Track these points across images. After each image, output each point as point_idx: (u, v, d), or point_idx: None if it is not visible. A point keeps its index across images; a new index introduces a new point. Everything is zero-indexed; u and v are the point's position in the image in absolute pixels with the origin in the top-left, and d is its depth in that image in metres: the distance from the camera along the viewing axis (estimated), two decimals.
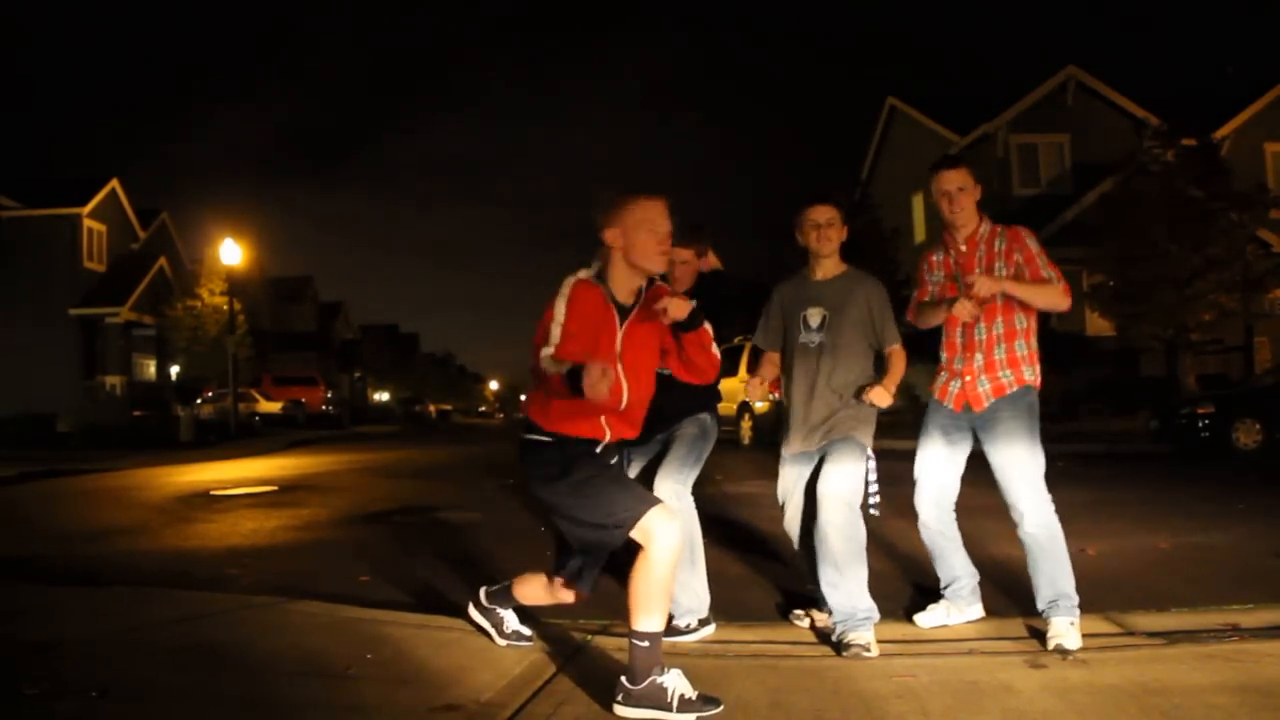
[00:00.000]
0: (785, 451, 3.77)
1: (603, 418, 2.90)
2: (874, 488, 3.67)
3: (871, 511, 3.64)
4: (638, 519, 2.72)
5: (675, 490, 3.59)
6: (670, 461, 3.67)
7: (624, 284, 2.94)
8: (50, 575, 5.05)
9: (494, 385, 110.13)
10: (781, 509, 3.80)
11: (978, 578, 3.71)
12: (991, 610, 3.77)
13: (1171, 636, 3.33)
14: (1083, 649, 3.19)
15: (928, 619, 3.64)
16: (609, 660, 3.17)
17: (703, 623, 3.60)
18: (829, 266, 3.74)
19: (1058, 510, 3.43)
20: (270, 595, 4.19)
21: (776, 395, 3.95)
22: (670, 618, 3.33)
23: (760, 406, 15.08)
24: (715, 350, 3.02)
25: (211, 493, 9.77)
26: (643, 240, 2.87)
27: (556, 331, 2.80)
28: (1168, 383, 18.10)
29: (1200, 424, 12.62)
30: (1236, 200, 17.64)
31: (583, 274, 2.94)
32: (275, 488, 10.15)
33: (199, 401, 27.88)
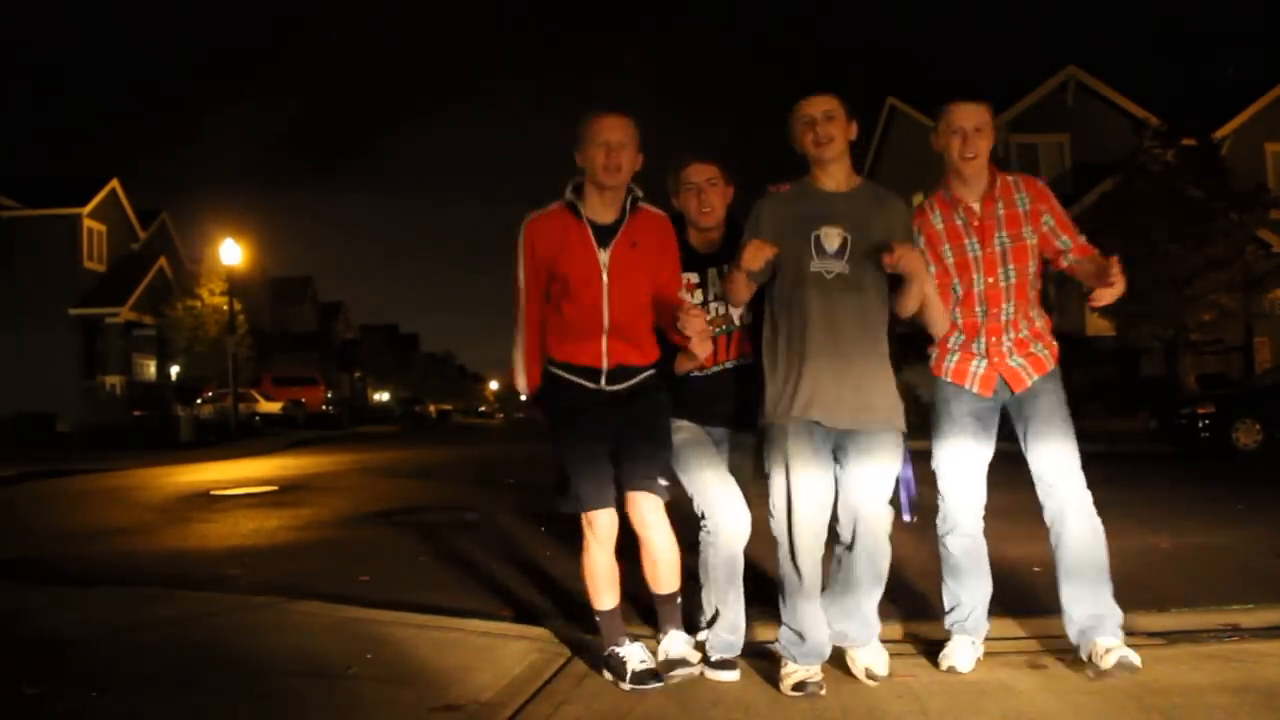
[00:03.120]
0: (780, 420, 2.84)
1: (603, 340, 2.96)
2: (909, 487, 3.07)
3: (906, 519, 3.04)
4: (581, 510, 2.91)
5: (730, 492, 3.05)
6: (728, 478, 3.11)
7: (598, 205, 2.98)
8: (50, 575, 5.05)
9: (494, 385, 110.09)
10: (777, 506, 2.87)
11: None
12: (991, 610, 3.76)
13: (1171, 636, 3.32)
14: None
15: (965, 661, 2.98)
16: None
17: (725, 665, 2.98)
18: (840, 175, 2.93)
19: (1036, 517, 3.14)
20: (270, 595, 4.19)
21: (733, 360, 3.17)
22: (699, 633, 3.11)
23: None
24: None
25: (211, 493, 9.77)
26: (592, 155, 2.91)
27: (519, 299, 3.03)
28: (1168, 383, 18.10)
29: (1200, 424, 12.61)
30: (1236, 200, 17.64)
31: (538, 211, 3.02)
32: (275, 488, 10.15)
33: (199, 401, 27.86)
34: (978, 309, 3.00)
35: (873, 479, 2.83)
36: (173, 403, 25.43)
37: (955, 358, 3.04)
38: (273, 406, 30.37)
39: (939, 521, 3.08)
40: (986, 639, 3.15)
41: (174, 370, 31.69)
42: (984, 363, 3.00)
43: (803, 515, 2.81)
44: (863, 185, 2.96)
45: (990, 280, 2.98)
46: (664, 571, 2.99)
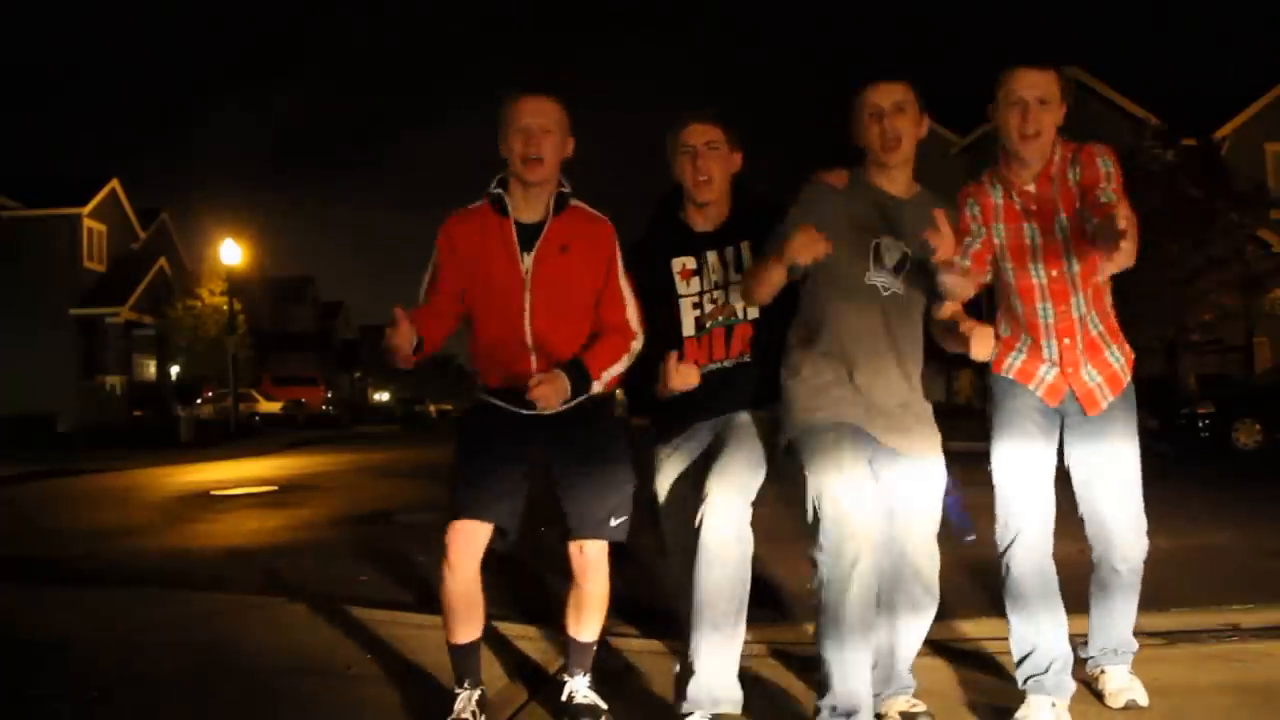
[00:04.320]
0: (822, 415, 2.43)
1: (531, 361, 2.52)
2: (956, 508, 2.63)
3: (968, 540, 2.80)
4: (449, 519, 2.47)
5: (727, 502, 2.43)
6: (726, 460, 2.53)
7: (522, 203, 2.56)
8: (51, 575, 5.05)
9: None
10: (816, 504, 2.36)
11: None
12: (991, 610, 3.76)
13: (1171, 636, 3.32)
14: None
15: None
16: (608, 660, 3.16)
17: None
18: (903, 179, 2.58)
19: (1057, 511, 2.88)
20: (270, 595, 4.19)
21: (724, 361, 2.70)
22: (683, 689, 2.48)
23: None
24: (623, 368, 2.60)
25: (211, 493, 9.77)
26: (510, 144, 2.50)
27: (422, 289, 2.60)
28: (1168, 383, 18.10)
29: (1200, 424, 12.61)
30: (1236, 200, 17.65)
31: (460, 210, 2.62)
32: (275, 488, 10.15)
33: (199, 401, 27.89)
34: (1040, 306, 2.54)
35: (921, 503, 2.53)
36: (173, 403, 25.47)
37: (1021, 357, 2.60)
38: (273, 406, 30.40)
39: (998, 537, 2.56)
40: (987, 639, 3.12)
41: (174, 370, 31.69)
42: (1054, 370, 2.55)
43: (863, 525, 2.35)
44: (921, 193, 2.61)
45: (1054, 274, 2.52)
46: (592, 621, 2.62)
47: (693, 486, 2.56)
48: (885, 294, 2.51)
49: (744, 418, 2.63)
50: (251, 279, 30.85)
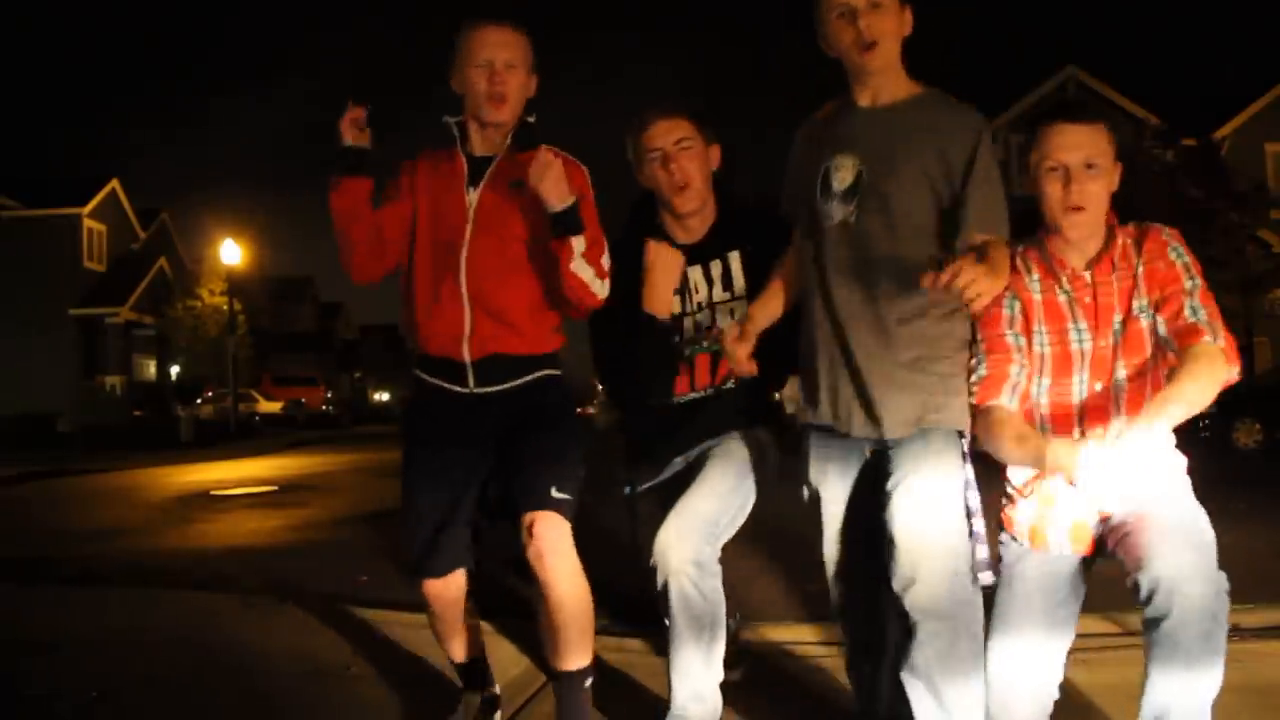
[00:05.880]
0: (811, 419, 2.17)
1: (465, 316, 2.17)
2: (977, 525, 2.01)
3: (985, 580, 2.02)
4: (412, 577, 2.33)
5: (693, 548, 2.18)
6: (697, 492, 2.27)
7: (479, 137, 2.27)
8: (51, 575, 5.05)
9: None
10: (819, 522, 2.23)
11: None
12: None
13: None
14: (1083, 649, 3.17)
15: None
16: (607, 661, 3.16)
17: None
18: (887, 83, 2.08)
19: None
20: (270, 595, 4.19)
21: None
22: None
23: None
24: (593, 283, 2.16)
25: (211, 493, 9.77)
26: (472, 80, 2.19)
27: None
28: None
29: (1200, 424, 12.61)
30: (1236, 200, 17.68)
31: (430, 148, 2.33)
32: (275, 488, 10.15)
33: (199, 401, 27.89)
34: (1075, 428, 2.00)
35: (918, 504, 1.99)
36: (173, 403, 25.47)
37: (1031, 509, 2.05)
38: (273, 406, 30.39)
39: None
40: None
41: (174, 370, 31.69)
42: (1070, 518, 2.02)
43: (830, 548, 2.20)
44: (911, 98, 2.08)
45: (1099, 386, 1.99)
46: (572, 638, 2.15)
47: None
48: (829, 223, 2.07)
49: (721, 445, 2.37)
50: (251, 279, 30.82)
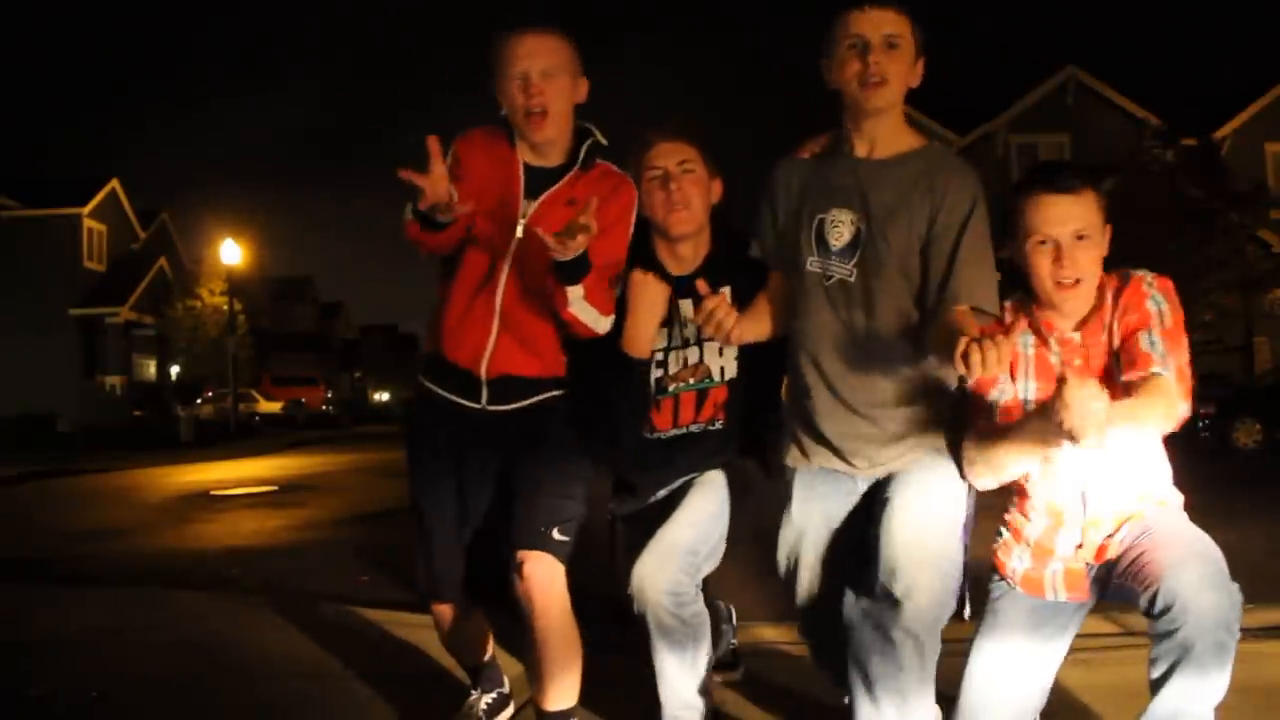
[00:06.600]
0: (793, 464, 2.19)
1: (491, 334, 2.11)
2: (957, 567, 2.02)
3: (966, 617, 2.11)
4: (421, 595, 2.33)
5: (669, 580, 2.12)
6: (676, 522, 2.22)
7: (530, 151, 2.16)
8: (51, 575, 5.06)
9: None
10: (786, 577, 2.25)
11: None
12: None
13: None
14: (1083, 649, 3.17)
15: None
16: (606, 660, 3.16)
17: None
18: (885, 133, 2.03)
19: None
20: (270, 595, 4.19)
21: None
22: None
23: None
24: (596, 323, 2.11)
25: (211, 493, 9.78)
26: (507, 94, 2.07)
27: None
28: None
29: (1200, 424, 12.61)
30: (1236, 200, 17.67)
31: (485, 127, 2.20)
32: (275, 488, 10.15)
33: (199, 401, 27.89)
34: (1066, 483, 1.99)
35: (913, 538, 1.96)
36: (173, 403, 25.47)
37: (1026, 556, 2.05)
38: (273, 406, 30.42)
39: None
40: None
41: (174, 370, 31.70)
42: (1064, 565, 2.03)
43: (804, 590, 2.20)
44: (911, 153, 2.02)
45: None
46: (555, 677, 2.10)
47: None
48: (829, 283, 2.04)
49: (702, 475, 2.32)
50: (251, 279, 30.85)
